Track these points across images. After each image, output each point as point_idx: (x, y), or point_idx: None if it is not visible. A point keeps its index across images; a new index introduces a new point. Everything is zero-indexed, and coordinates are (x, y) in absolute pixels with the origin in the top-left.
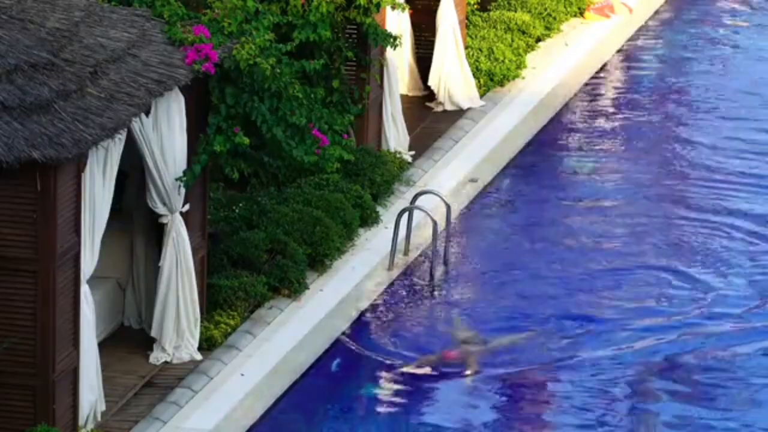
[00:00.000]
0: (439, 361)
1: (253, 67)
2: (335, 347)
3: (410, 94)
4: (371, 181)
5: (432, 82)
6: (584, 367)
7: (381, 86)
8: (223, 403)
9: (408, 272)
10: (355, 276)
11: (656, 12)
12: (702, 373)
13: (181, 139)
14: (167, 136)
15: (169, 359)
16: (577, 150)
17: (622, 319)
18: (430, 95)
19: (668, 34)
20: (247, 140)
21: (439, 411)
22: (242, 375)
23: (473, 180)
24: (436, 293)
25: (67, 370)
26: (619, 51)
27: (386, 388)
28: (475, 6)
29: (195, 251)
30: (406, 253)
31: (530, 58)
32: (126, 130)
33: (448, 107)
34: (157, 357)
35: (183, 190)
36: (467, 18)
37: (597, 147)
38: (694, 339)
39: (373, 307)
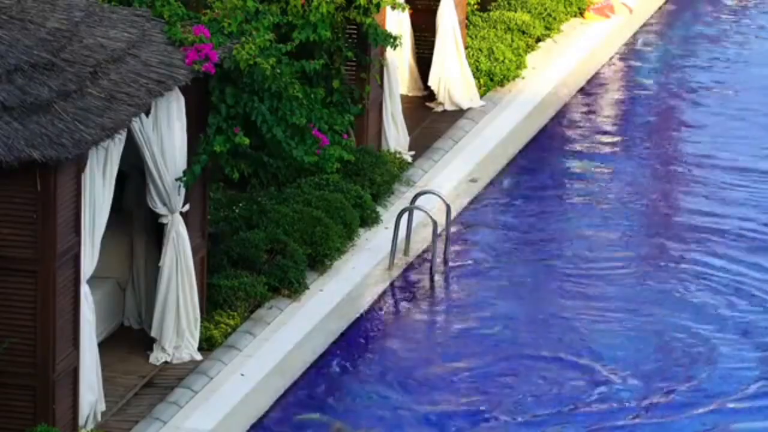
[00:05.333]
0: None
1: (253, 67)
2: (335, 347)
3: (410, 94)
4: (371, 181)
5: (432, 82)
6: None
7: (381, 86)
8: (223, 403)
9: (408, 272)
10: (355, 276)
11: (656, 12)
12: None
13: (181, 139)
14: (167, 136)
15: (169, 359)
16: (577, 150)
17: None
18: (430, 95)
19: (668, 34)
20: (247, 140)
21: None
22: (242, 375)
23: (473, 180)
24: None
25: (67, 370)
26: (619, 51)
27: None
28: (475, 6)
29: (195, 251)
30: (406, 253)
31: (530, 58)
32: (126, 130)
33: (448, 107)
34: (157, 357)
35: (183, 190)
36: (467, 18)
37: (597, 147)
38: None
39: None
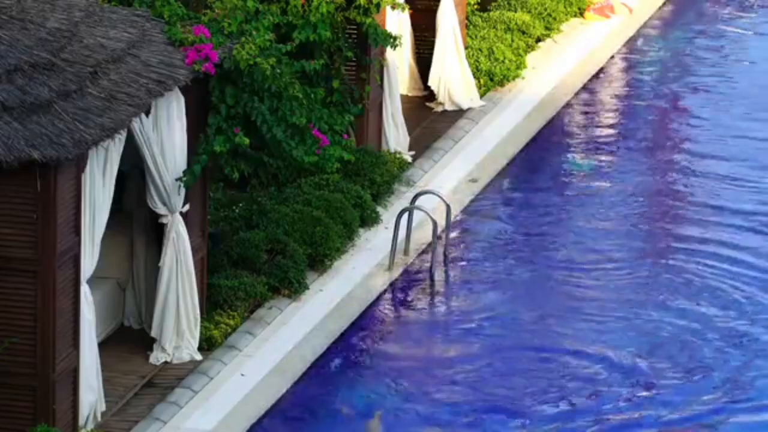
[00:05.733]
0: None
1: (253, 67)
2: (335, 347)
3: (410, 94)
4: (371, 181)
5: (432, 82)
6: None
7: (381, 86)
8: (223, 403)
9: (408, 272)
10: (355, 276)
11: (656, 12)
12: None
13: (181, 139)
14: (167, 136)
15: (169, 359)
16: (577, 150)
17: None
18: (430, 95)
19: (668, 35)
20: (247, 140)
21: None
22: (242, 375)
23: (473, 180)
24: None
25: (67, 370)
26: (619, 51)
27: None
28: (475, 6)
29: (195, 251)
30: (406, 253)
31: (530, 58)
32: (126, 130)
33: (448, 107)
34: (157, 357)
35: (183, 190)
36: (467, 18)
37: (596, 147)
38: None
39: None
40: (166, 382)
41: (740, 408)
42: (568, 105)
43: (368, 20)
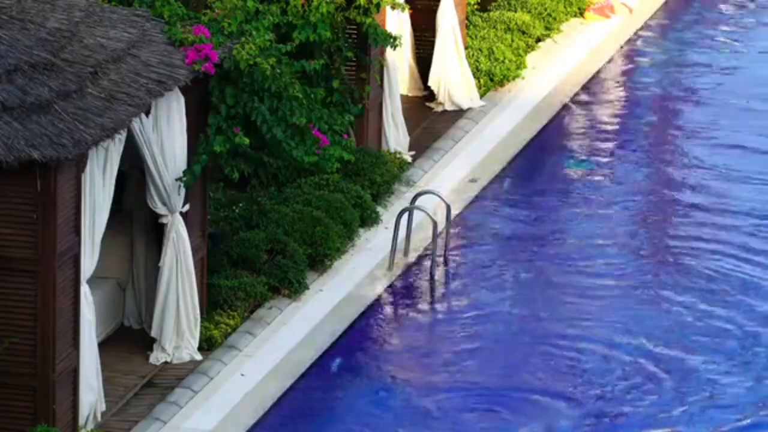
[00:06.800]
0: None
1: (253, 68)
2: (335, 347)
3: (410, 94)
4: (371, 181)
5: (432, 82)
6: None
7: (381, 86)
8: (223, 403)
9: (408, 272)
10: (355, 276)
11: (656, 12)
12: None
13: (181, 139)
14: (167, 136)
15: (169, 359)
16: (577, 150)
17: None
18: (430, 95)
19: (668, 35)
20: (247, 140)
21: None
22: (242, 375)
23: (473, 180)
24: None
25: (67, 370)
26: (618, 51)
27: None
28: (475, 6)
29: (195, 251)
30: (406, 253)
31: (530, 58)
32: (126, 130)
33: (448, 107)
34: (157, 357)
35: (183, 190)
36: (467, 18)
37: (597, 147)
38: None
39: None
40: (166, 382)
41: (740, 408)
42: (567, 106)
43: (368, 20)
